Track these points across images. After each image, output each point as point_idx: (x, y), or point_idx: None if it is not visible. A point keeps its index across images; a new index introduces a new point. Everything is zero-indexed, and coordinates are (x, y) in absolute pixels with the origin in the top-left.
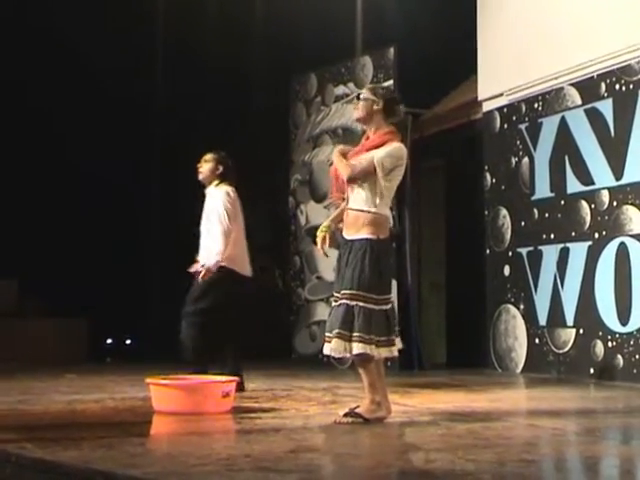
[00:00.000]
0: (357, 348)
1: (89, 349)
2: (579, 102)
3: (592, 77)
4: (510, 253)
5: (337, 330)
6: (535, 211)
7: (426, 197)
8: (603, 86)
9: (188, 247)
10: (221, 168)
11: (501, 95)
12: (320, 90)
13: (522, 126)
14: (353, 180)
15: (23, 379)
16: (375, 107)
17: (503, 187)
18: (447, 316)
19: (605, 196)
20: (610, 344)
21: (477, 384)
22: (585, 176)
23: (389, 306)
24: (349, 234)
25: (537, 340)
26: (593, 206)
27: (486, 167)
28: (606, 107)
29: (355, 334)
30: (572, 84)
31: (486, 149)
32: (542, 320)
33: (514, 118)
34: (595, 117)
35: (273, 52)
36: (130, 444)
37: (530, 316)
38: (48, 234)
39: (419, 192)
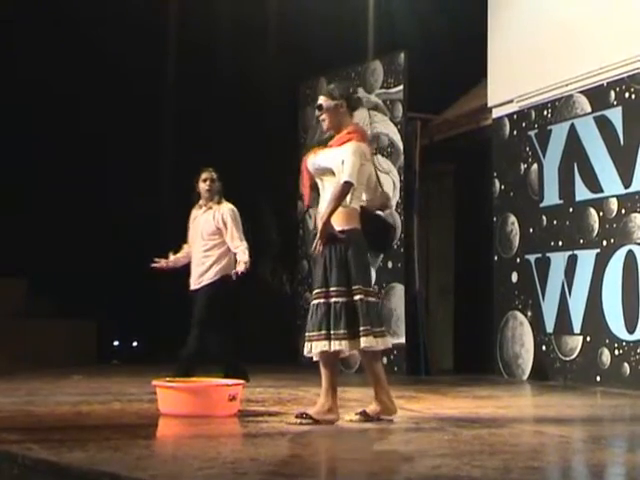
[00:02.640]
0: (371, 342)
1: (96, 351)
2: (589, 110)
3: (602, 85)
4: (518, 260)
5: (345, 330)
6: (543, 218)
7: (435, 203)
8: (613, 94)
9: None
10: (218, 185)
11: (511, 102)
12: None
13: (531, 133)
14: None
15: (30, 380)
16: (342, 109)
17: (512, 194)
18: (454, 322)
19: (614, 204)
20: (617, 352)
21: (484, 390)
22: (594, 184)
23: (357, 297)
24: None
25: (544, 347)
26: (601, 214)
27: (495, 173)
28: (615, 115)
29: (373, 328)
30: (582, 92)
31: (495, 155)
32: (549, 327)
33: (523, 125)
34: (604, 125)
35: (283, 56)
36: (136, 446)
37: (537, 323)
38: (57, 235)
39: (428, 197)
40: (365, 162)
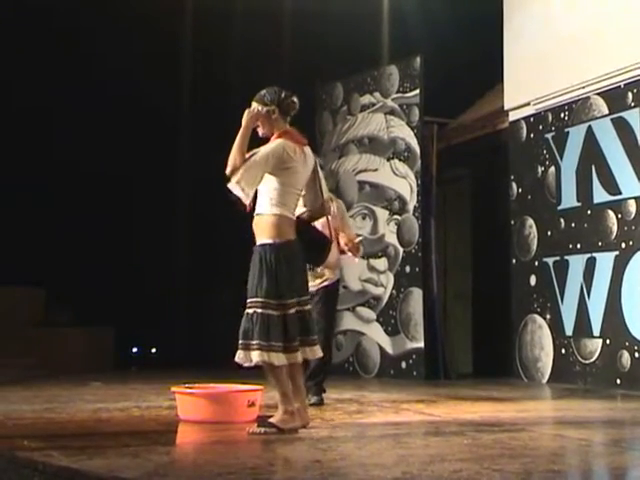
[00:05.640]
0: (255, 356)
1: (115, 358)
2: (606, 112)
3: (619, 87)
4: (536, 263)
5: (240, 340)
6: (561, 221)
7: (452, 206)
8: (630, 96)
9: (213, 258)
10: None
11: (527, 104)
12: (346, 99)
13: (548, 135)
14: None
15: (49, 387)
16: (274, 116)
17: (529, 197)
18: (473, 326)
19: (632, 206)
20: (637, 354)
21: (503, 394)
22: (612, 186)
23: (291, 311)
24: (257, 241)
25: (563, 350)
26: (620, 216)
27: (512, 176)
28: (633, 117)
29: (254, 342)
30: (599, 93)
31: (512, 158)
32: (568, 330)
33: (540, 127)
34: (622, 127)
35: (299, 60)
36: (156, 453)
37: (556, 326)
38: (75, 244)
39: (445, 201)
40: (292, 164)
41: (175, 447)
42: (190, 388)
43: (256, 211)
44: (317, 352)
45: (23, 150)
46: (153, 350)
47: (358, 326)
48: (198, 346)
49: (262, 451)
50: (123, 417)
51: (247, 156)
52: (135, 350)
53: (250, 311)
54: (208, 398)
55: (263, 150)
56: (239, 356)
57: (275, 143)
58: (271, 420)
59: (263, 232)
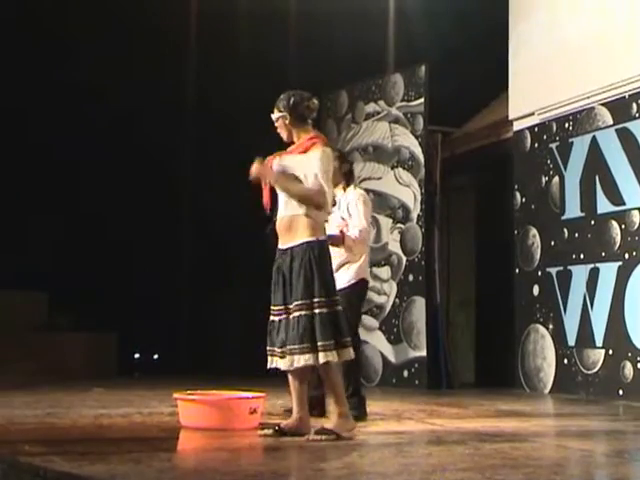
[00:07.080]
0: (322, 357)
1: (117, 364)
2: (610, 122)
3: (623, 97)
4: (539, 273)
5: (299, 345)
6: (565, 231)
7: (455, 215)
8: (634, 106)
9: (218, 265)
10: (346, 166)
11: (532, 114)
12: (351, 107)
13: (553, 145)
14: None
15: (51, 392)
16: (287, 121)
17: (533, 206)
18: (475, 335)
19: (636, 216)
20: (639, 365)
21: (505, 404)
22: (616, 196)
23: (339, 307)
24: (285, 242)
25: (566, 360)
26: (623, 226)
27: (516, 186)
28: (637, 127)
29: (319, 343)
30: (603, 104)
31: (516, 168)
32: (571, 340)
33: (545, 137)
34: (626, 137)
35: (304, 68)
36: (157, 459)
37: (559, 336)
38: (78, 249)
39: (448, 210)
40: (331, 167)
41: (177, 454)
42: (192, 395)
43: (284, 212)
44: (350, 354)
45: (23, 150)
46: (155, 356)
47: (361, 334)
48: (200, 352)
49: (265, 459)
50: (125, 423)
51: (294, 175)
52: (137, 356)
53: (309, 313)
54: (210, 405)
55: (320, 168)
56: (303, 359)
57: (320, 152)
58: (328, 426)
59: (303, 231)
